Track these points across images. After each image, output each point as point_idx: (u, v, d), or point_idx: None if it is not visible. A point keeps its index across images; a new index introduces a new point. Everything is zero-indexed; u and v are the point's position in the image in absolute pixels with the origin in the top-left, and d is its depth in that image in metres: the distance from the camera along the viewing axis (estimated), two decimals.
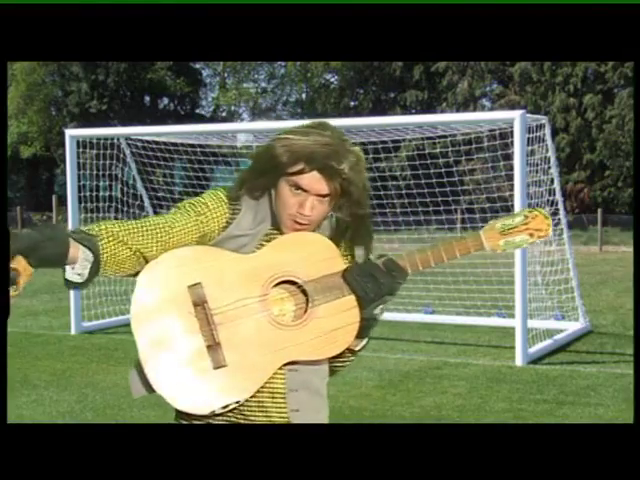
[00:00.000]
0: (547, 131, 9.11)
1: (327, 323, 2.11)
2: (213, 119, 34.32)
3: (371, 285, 2.11)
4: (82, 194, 10.45)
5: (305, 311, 2.12)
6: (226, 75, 37.35)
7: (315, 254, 2.14)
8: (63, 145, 13.26)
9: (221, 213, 2.18)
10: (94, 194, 11.14)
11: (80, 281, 2.06)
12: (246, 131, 14.12)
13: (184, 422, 2.17)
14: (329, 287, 2.12)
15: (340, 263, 2.15)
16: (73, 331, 9.70)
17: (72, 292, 9.69)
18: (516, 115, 8.04)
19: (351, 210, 2.18)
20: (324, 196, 2.15)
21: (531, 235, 2.17)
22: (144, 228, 2.12)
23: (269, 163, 2.15)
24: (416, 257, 2.15)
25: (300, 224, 2.15)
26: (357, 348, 2.24)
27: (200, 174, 13.98)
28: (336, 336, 2.12)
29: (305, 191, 2.13)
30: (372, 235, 2.25)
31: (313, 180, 2.12)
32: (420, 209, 11.22)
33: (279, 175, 2.14)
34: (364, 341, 2.24)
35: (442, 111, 29.28)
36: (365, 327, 2.17)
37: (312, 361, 2.13)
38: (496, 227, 2.17)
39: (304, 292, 2.12)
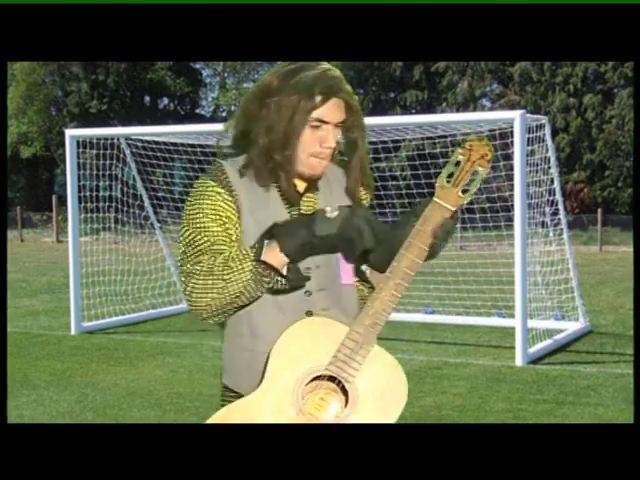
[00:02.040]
0: (547, 131, 9.11)
1: (373, 384, 2.08)
2: (213, 119, 34.31)
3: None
4: (82, 194, 10.44)
5: (345, 394, 2.08)
6: (226, 75, 37.36)
7: (314, 337, 2.10)
8: (63, 145, 13.27)
9: (232, 210, 2.15)
10: (94, 194, 11.14)
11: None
12: None
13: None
14: (349, 355, 2.07)
15: (340, 326, 2.10)
16: (73, 331, 9.69)
17: (72, 292, 9.69)
18: (516, 115, 8.04)
19: (357, 127, 2.20)
20: (342, 122, 2.16)
21: (481, 165, 2.09)
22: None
23: (285, 114, 2.10)
24: (402, 267, 2.08)
25: (322, 158, 2.15)
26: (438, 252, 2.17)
27: (200, 174, 13.93)
28: (390, 388, 2.10)
29: (326, 123, 2.13)
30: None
31: (334, 108, 2.13)
32: None
33: (302, 117, 2.10)
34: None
35: (442, 111, 29.26)
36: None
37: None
38: (445, 185, 2.10)
39: (332, 377, 2.08)
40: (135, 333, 9.80)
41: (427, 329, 9.68)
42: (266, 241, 2.08)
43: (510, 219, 8.81)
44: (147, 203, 11.54)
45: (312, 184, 2.23)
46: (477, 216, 12.69)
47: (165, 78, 33.47)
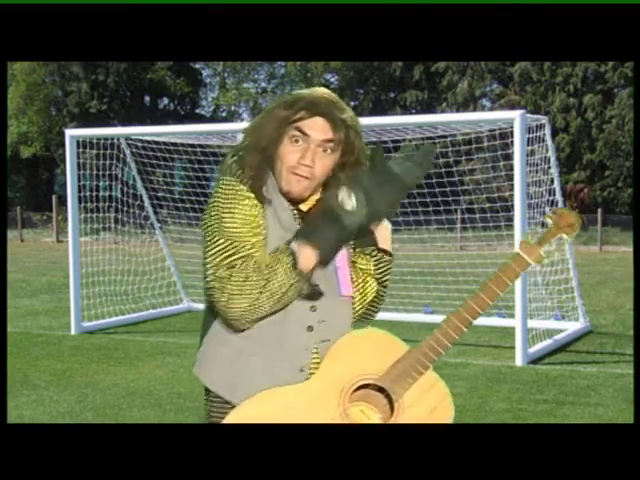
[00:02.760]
0: (547, 131, 9.10)
1: (419, 410, 2.11)
2: (213, 119, 34.32)
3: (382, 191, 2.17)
4: (82, 194, 10.44)
5: (392, 408, 2.11)
6: (226, 75, 37.36)
7: (374, 347, 2.14)
8: (63, 145, 13.27)
9: (260, 214, 2.15)
10: (94, 194, 11.14)
11: None
12: None
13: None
14: (402, 373, 2.11)
15: (400, 345, 2.15)
16: (73, 331, 9.69)
17: (72, 292, 9.69)
18: (516, 115, 8.04)
19: (353, 169, 2.19)
20: (328, 141, 2.13)
21: (566, 233, 2.24)
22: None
23: (270, 122, 2.14)
24: (472, 304, 2.17)
25: (300, 176, 2.13)
26: (388, 247, 2.34)
27: (200, 174, 13.97)
28: (434, 417, 2.12)
29: (307, 136, 2.12)
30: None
31: (316, 124, 2.12)
32: (420, 209, 11.21)
33: (283, 127, 2.13)
34: (387, 229, 2.33)
35: (442, 111, 29.27)
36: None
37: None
38: (529, 241, 2.24)
39: (381, 390, 2.11)
40: (135, 333, 9.80)
41: (427, 329, 9.60)
42: (297, 243, 2.10)
43: (510, 219, 8.81)
44: (147, 203, 11.54)
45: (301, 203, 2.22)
46: (477, 216, 12.71)
47: (165, 78, 33.47)
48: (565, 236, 2.24)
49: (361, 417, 2.09)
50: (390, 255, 2.32)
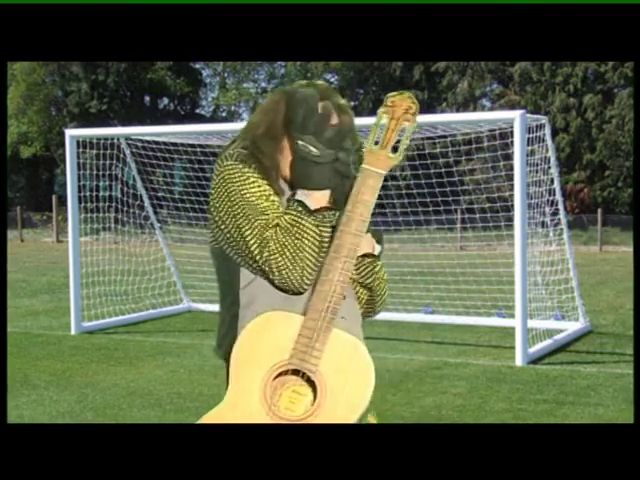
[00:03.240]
0: (547, 131, 9.10)
1: (335, 370, 2.02)
2: (213, 119, 34.31)
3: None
4: (82, 194, 10.44)
5: (312, 384, 2.04)
6: (226, 75, 37.35)
7: (271, 333, 2.05)
8: (63, 145, 13.27)
9: (261, 183, 2.17)
10: (94, 194, 11.14)
11: None
12: None
13: None
14: (306, 345, 2.02)
15: (296, 318, 2.06)
16: (73, 331, 9.69)
17: (72, 292, 9.69)
18: (516, 115, 8.04)
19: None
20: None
21: (407, 120, 2.05)
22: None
23: (272, 106, 2.22)
24: (346, 244, 2.04)
25: None
26: (376, 252, 2.25)
27: (200, 174, 13.96)
28: (354, 372, 2.03)
29: None
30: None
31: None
32: (420, 209, 11.22)
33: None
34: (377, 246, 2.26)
35: (442, 111, 29.26)
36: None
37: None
38: (372, 149, 2.06)
39: (296, 371, 2.05)
40: (135, 333, 9.80)
41: (427, 329, 9.68)
42: (298, 192, 2.12)
43: (510, 219, 8.81)
44: (147, 203, 11.54)
45: None
46: (477, 216, 12.70)
47: (165, 78, 33.45)
48: (407, 124, 2.03)
49: (294, 398, 2.03)
50: (373, 257, 2.25)
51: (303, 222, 2.07)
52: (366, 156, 2.06)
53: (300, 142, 2.10)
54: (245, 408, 2.04)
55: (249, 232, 2.10)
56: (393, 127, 2.03)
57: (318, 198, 2.12)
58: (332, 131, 2.14)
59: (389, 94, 2.07)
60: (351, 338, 2.06)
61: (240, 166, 2.16)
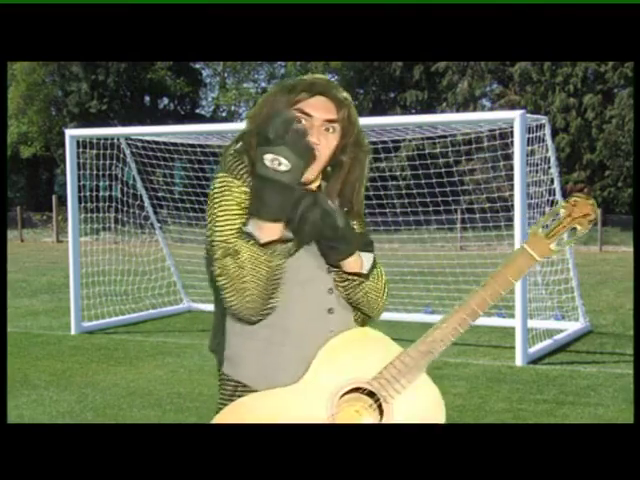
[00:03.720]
0: (547, 131, 9.10)
1: (410, 412, 2.04)
2: (213, 119, 34.32)
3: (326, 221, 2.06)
4: (82, 194, 10.44)
5: (381, 412, 2.04)
6: (226, 75, 37.36)
7: (367, 348, 2.07)
8: (63, 145, 13.27)
9: (241, 199, 2.11)
10: (94, 194, 11.14)
11: None
12: None
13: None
14: (395, 376, 2.04)
15: (394, 347, 2.08)
16: (73, 331, 9.69)
17: (72, 292, 9.70)
18: (516, 115, 8.04)
19: (354, 150, 2.17)
20: (331, 121, 2.12)
21: (580, 224, 2.05)
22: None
23: (272, 108, 2.12)
24: (472, 304, 2.06)
25: None
26: (365, 270, 2.16)
27: (200, 174, 13.97)
28: (427, 418, 2.07)
29: (310, 116, 2.11)
30: (365, 180, 2.24)
31: (318, 103, 2.12)
32: (420, 209, 11.23)
33: (283, 106, 2.11)
34: (366, 257, 2.16)
35: (442, 111, 29.27)
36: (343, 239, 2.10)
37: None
38: (539, 233, 2.07)
39: (371, 394, 2.05)
40: (135, 333, 9.80)
41: (427, 329, 9.65)
42: (250, 221, 2.05)
43: (510, 219, 8.81)
44: (147, 203, 11.54)
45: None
46: (477, 216, 12.70)
47: (165, 78, 33.47)
48: (579, 227, 2.05)
49: (353, 417, 2.04)
50: (361, 276, 2.18)
51: (244, 256, 2.04)
52: (529, 237, 2.08)
53: (267, 155, 2.03)
54: (309, 400, 2.04)
55: (215, 256, 2.10)
56: (566, 224, 2.06)
57: (267, 228, 2.05)
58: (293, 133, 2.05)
59: (576, 195, 2.07)
60: (436, 392, 2.10)
61: (227, 180, 2.12)
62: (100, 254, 11.58)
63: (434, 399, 2.10)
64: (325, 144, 2.13)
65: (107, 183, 11.59)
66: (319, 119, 2.12)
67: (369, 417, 2.05)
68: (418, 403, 2.07)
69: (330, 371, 2.05)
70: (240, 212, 2.10)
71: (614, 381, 7.18)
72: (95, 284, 11.00)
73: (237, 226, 2.08)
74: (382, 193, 11.97)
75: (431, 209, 11.60)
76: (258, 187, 2.05)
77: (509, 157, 9.10)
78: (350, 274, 2.17)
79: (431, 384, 2.09)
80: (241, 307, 2.06)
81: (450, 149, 11.08)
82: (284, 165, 2.01)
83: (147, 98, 35.34)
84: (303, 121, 2.12)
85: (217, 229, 2.09)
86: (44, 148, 33.31)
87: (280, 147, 2.02)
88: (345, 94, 2.18)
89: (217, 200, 2.12)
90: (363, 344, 2.09)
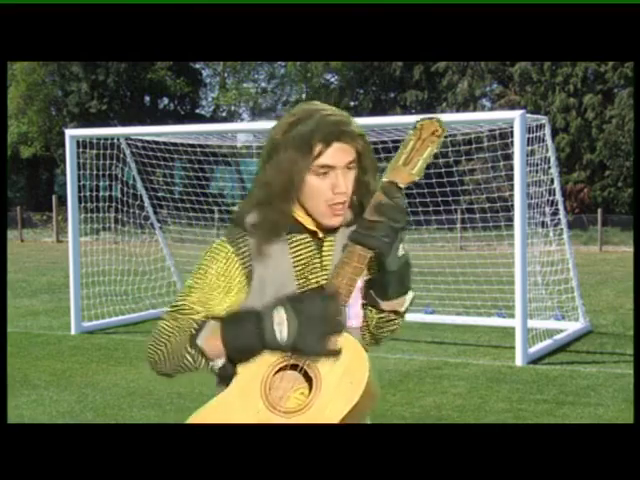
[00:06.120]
0: (547, 131, 9.11)
1: (335, 372, 2.01)
2: (213, 119, 34.32)
3: (380, 227, 2.02)
4: (82, 194, 10.44)
5: (310, 382, 2.03)
6: (226, 75, 37.35)
7: None
8: (63, 145, 13.27)
9: (235, 268, 2.11)
10: (94, 194, 11.15)
11: None
12: (246, 131, 14.12)
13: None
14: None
15: None
16: (73, 331, 9.69)
17: (72, 292, 9.70)
18: (516, 115, 8.04)
19: (368, 169, 2.16)
20: (351, 162, 2.11)
21: (432, 142, 2.09)
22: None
23: (287, 172, 2.06)
24: (357, 250, 2.01)
25: (339, 204, 2.09)
26: (402, 308, 2.13)
27: (200, 174, 13.99)
28: (351, 374, 2.02)
29: (332, 167, 2.08)
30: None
31: (337, 152, 2.08)
32: (420, 209, 11.22)
33: (305, 170, 2.06)
34: (408, 296, 2.13)
35: (442, 111, 29.27)
36: (400, 278, 2.07)
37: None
38: (397, 165, 2.07)
39: (294, 367, 2.04)
40: (135, 333, 9.80)
41: (427, 329, 9.67)
42: (211, 322, 2.05)
43: (510, 219, 8.81)
44: (147, 203, 11.55)
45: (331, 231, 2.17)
46: (477, 216, 12.71)
47: (165, 78, 33.46)
48: (431, 145, 2.08)
49: (301, 401, 2.03)
50: (397, 313, 2.16)
51: (182, 339, 2.06)
52: (387, 170, 2.08)
53: (277, 315, 2.02)
54: (244, 398, 2.07)
55: (169, 308, 2.15)
56: (418, 147, 2.09)
57: (216, 349, 2.06)
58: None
59: (421, 119, 2.13)
60: (347, 336, 2.05)
61: (227, 249, 2.11)
62: (100, 254, 11.58)
63: (348, 343, 2.04)
64: (349, 183, 2.12)
65: (107, 183, 11.60)
66: (341, 166, 2.09)
67: (307, 388, 2.04)
68: (339, 361, 2.02)
69: (252, 366, 2.06)
70: (219, 287, 2.11)
71: (614, 381, 7.18)
72: (95, 284, 11.00)
73: (206, 296, 2.10)
74: None
75: (431, 209, 11.59)
76: (244, 325, 2.03)
77: (509, 157, 9.10)
78: (387, 311, 2.15)
79: (347, 335, 2.03)
80: (152, 363, 2.12)
81: (450, 149, 11.08)
82: (285, 335, 1.99)
83: (147, 98, 35.34)
84: (327, 172, 2.08)
85: (186, 290, 2.13)
86: (44, 148, 33.31)
87: (291, 315, 1.97)
88: (354, 125, 2.12)
89: (205, 263, 2.14)
90: None
